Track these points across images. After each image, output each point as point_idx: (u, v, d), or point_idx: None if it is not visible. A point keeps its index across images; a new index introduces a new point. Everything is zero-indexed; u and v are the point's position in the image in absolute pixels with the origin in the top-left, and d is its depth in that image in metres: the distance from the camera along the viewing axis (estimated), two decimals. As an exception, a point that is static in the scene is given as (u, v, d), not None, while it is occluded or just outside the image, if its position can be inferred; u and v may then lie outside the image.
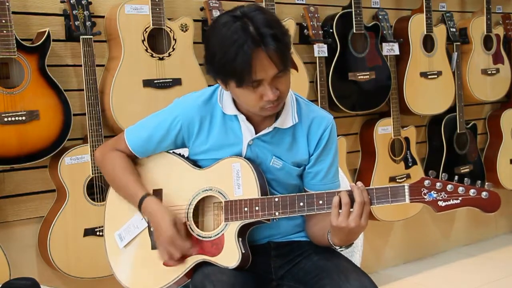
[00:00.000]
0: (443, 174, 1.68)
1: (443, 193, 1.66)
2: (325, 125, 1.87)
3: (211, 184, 1.84)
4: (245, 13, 1.66)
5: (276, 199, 1.77)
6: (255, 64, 1.62)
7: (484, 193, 1.65)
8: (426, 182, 1.67)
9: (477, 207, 1.66)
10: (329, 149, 1.89)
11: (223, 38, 1.64)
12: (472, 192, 1.65)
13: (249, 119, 1.83)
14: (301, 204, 1.75)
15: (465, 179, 1.67)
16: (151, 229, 1.88)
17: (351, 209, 1.68)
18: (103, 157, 1.97)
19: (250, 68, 1.62)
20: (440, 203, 1.66)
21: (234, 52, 1.61)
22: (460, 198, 1.66)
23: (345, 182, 2.15)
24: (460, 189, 1.66)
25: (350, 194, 1.69)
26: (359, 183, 1.71)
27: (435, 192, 1.66)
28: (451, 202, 1.66)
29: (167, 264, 1.83)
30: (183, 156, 1.92)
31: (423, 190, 1.67)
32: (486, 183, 1.66)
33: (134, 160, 1.95)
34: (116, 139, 1.98)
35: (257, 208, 1.77)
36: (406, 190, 1.67)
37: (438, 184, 1.66)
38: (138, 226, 1.90)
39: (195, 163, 1.90)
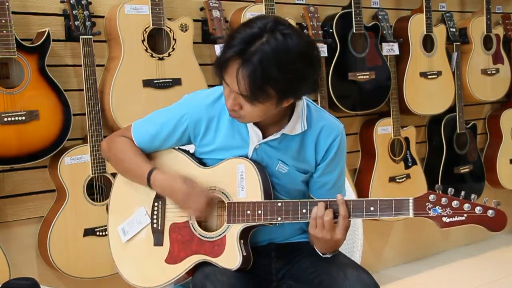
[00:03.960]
0: (450, 189, 1.65)
1: (448, 209, 1.64)
2: (335, 135, 1.85)
3: (215, 184, 1.84)
4: (276, 28, 1.62)
5: (279, 204, 1.76)
6: (228, 67, 1.62)
7: (490, 212, 1.62)
8: (431, 197, 1.65)
9: (482, 225, 1.63)
10: (338, 159, 1.87)
11: (236, 29, 1.66)
12: (478, 209, 1.63)
13: (256, 123, 1.81)
14: (304, 210, 1.74)
15: (472, 195, 1.64)
16: (154, 226, 1.89)
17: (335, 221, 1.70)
18: (110, 143, 1.97)
19: (223, 70, 1.63)
20: (444, 219, 1.64)
21: (226, 46, 1.64)
22: (465, 215, 1.63)
23: (345, 182, 2.14)
24: (466, 206, 1.63)
25: (328, 206, 1.72)
26: (339, 196, 1.72)
27: (440, 208, 1.64)
28: (456, 218, 1.64)
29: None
30: (188, 152, 1.92)
31: (428, 204, 1.65)
32: (493, 201, 1.63)
33: None
34: (123, 131, 1.98)
35: (259, 212, 1.77)
36: (411, 204, 1.66)
37: (443, 199, 1.64)
38: (141, 221, 1.91)
39: (200, 161, 1.90)
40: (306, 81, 1.67)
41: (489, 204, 1.63)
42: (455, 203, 1.64)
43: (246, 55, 1.59)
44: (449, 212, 1.64)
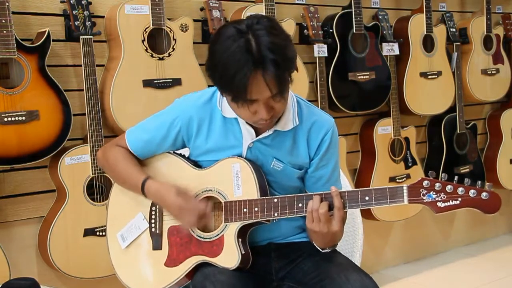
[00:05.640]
0: (443, 174, 1.66)
1: (442, 194, 1.65)
2: (326, 129, 1.86)
3: (211, 184, 1.84)
4: (250, 27, 1.63)
5: (275, 200, 1.77)
6: (252, 85, 1.61)
7: (484, 194, 1.63)
8: (425, 183, 1.66)
9: (477, 208, 1.64)
10: (331, 154, 1.88)
11: (225, 53, 1.62)
12: (472, 192, 1.63)
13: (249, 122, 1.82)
14: (300, 205, 1.75)
15: (466, 179, 1.65)
16: (153, 230, 1.89)
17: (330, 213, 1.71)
18: (105, 153, 1.98)
19: (246, 89, 1.62)
20: (439, 204, 1.65)
21: (233, 71, 1.60)
22: (459, 199, 1.64)
23: (345, 182, 2.15)
24: (460, 190, 1.64)
25: (323, 199, 1.72)
26: (333, 188, 1.72)
27: (434, 193, 1.65)
28: (451, 203, 1.64)
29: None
30: (183, 156, 1.93)
31: (422, 191, 1.66)
32: (487, 184, 1.64)
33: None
34: (117, 140, 1.99)
35: (256, 209, 1.77)
36: (405, 191, 1.66)
37: (437, 184, 1.65)
38: (139, 226, 1.91)
39: (196, 163, 1.90)
40: (295, 53, 1.72)
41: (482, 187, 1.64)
42: (449, 188, 1.64)
43: (257, 60, 1.59)
44: (444, 197, 1.64)
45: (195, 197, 1.82)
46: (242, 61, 1.59)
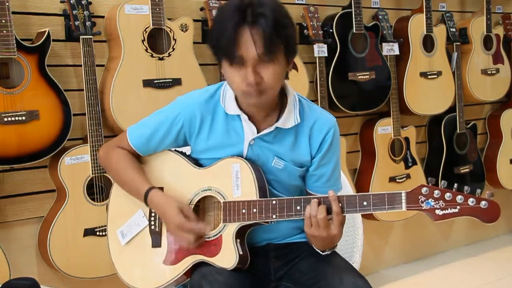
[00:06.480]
0: (442, 181, 1.66)
1: (441, 201, 1.64)
2: (328, 128, 1.86)
3: (211, 184, 1.84)
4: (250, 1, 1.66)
5: (274, 202, 1.76)
6: (239, 40, 1.63)
7: (483, 203, 1.62)
8: (424, 190, 1.65)
9: (475, 217, 1.63)
10: (332, 152, 1.88)
11: (219, 13, 1.68)
12: (471, 201, 1.62)
13: (251, 118, 1.82)
14: (298, 207, 1.75)
15: (465, 187, 1.64)
16: (152, 227, 1.89)
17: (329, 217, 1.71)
18: (107, 155, 1.98)
19: (234, 42, 1.63)
20: (437, 211, 1.64)
21: (223, 26, 1.63)
22: (458, 207, 1.63)
23: (345, 182, 2.15)
24: (459, 198, 1.63)
25: (321, 202, 1.72)
26: (330, 192, 1.72)
27: (432, 200, 1.64)
28: (449, 211, 1.63)
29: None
30: (184, 154, 1.93)
31: (421, 198, 1.65)
32: (487, 192, 1.63)
33: (137, 158, 1.96)
34: (118, 138, 1.99)
35: (254, 210, 1.77)
36: (403, 197, 1.66)
37: (436, 192, 1.64)
38: (139, 223, 1.91)
39: (196, 162, 1.90)
40: (295, 35, 1.72)
41: (482, 196, 1.63)
42: (448, 196, 1.64)
43: (249, 15, 1.62)
44: (442, 205, 1.64)
45: (195, 216, 1.81)
46: (230, 14, 1.63)
